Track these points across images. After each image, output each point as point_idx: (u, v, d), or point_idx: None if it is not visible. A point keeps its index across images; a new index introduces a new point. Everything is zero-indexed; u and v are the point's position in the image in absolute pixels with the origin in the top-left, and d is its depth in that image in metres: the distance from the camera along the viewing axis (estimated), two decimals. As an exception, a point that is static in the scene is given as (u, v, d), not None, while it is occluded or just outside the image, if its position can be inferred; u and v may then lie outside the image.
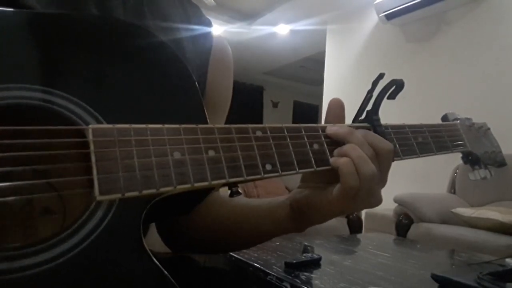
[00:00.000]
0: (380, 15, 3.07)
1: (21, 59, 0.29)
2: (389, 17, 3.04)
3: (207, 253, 0.54)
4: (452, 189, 2.51)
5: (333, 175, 0.37)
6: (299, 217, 0.43)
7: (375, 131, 0.42)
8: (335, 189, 0.37)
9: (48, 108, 0.29)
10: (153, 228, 0.51)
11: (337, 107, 0.42)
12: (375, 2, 3.05)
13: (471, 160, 0.53)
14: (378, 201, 0.39)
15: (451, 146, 0.50)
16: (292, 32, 4.15)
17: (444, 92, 2.80)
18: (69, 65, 0.30)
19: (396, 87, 0.42)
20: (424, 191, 2.43)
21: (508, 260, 0.94)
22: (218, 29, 3.92)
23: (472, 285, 0.73)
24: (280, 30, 4.13)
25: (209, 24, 0.54)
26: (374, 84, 0.42)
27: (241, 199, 0.49)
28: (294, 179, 3.05)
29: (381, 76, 0.42)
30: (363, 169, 0.36)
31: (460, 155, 0.54)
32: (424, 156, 0.46)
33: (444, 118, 0.54)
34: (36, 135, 0.27)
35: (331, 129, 0.39)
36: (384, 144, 0.39)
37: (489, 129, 0.56)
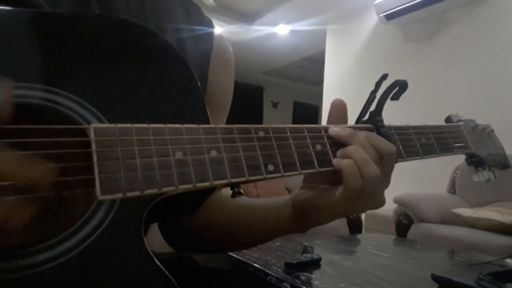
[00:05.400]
0: (380, 15, 3.07)
1: (24, 58, 0.29)
2: (389, 17, 3.04)
3: (210, 252, 0.54)
4: (452, 189, 2.51)
5: (336, 176, 0.37)
6: (302, 217, 0.42)
7: (379, 132, 0.41)
8: (338, 190, 0.37)
9: (50, 107, 0.29)
10: (154, 228, 0.51)
11: (340, 108, 0.41)
12: (375, 2, 3.05)
13: (475, 162, 0.53)
14: (381, 202, 0.39)
15: (454, 147, 0.49)
16: (292, 32, 4.15)
17: (444, 92, 2.80)
18: (72, 64, 0.30)
19: (399, 88, 0.42)
20: (424, 191, 2.43)
21: (508, 260, 0.94)
22: (218, 29, 3.90)
23: (472, 285, 0.73)
24: (280, 30, 4.13)
25: (210, 24, 0.54)
26: (377, 84, 0.42)
27: (243, 199, 0.49)
28: (294, 179, 3.05)
29: (384, 77, 0.42)
30: (366, 171, 0.35)
31: (463, 156, 0.54)
32: (427, 158, 0.45)
33: (448, 119, 0.54)
34: (37, 134, 0.27)
35: (333, 130, 0.39)
36: (388, 146, 0.39)
37: (493, 131, 0.56)
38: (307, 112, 6.95)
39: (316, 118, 6.75)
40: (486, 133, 0.55)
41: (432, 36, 2.95)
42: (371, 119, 0.43)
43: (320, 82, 4.03)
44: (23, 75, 0.28)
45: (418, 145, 0.45)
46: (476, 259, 1.13)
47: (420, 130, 0.46)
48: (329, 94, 3.79)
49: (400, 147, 0.43)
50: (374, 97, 0.42)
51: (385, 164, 0.38)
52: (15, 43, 0.29)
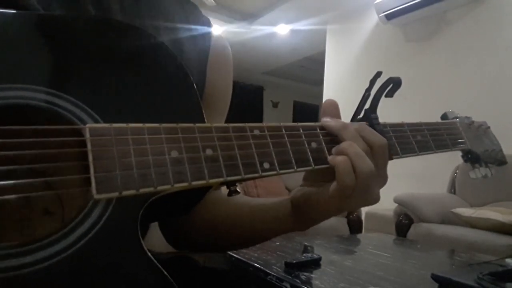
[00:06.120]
0: (380, 15, 3.07)
1: (21, 60, 0.29)
2: (389, 17, 3.04)
3: (210, 251, 0.54)
4: (452, 189, 2.51)
5: (333, 173, 0.37)
6: (300, 215, 0.43)
7: (373, 129, 0.41)
8: (331, 187, 0.37)
9: (46, 108, 0.29)
10: (153, 228, 0.51)
11: (332, 107, 0.41)
12: (375, 2, 3.05)
13: (471, 158, 0.53)
14: (375, 199, 0.39)
15: (450, 144, 0.49)
16: (292, 32, 4.15)
17: (444, 92, 2.80)
18: (68, 66, 0.31)
19: (393, 85, 0.42)
20: (424, 191, 2.43)
21: (508, 260, 0.94)
22: (218, 29, 3.92)
23: (472, 285, 0.73)
24: (280, 30, 4.13)
25: (208, 23, 0.54)
26: (372, 82, 0.42)
27: (242, 198, 0.49)
28: (294, 178, 3.05)
29: (378, 74, 0.42)
30: (360, 167, 0.35)
31: (460, 153, 0.54)
32: (423, 154, 0.45)
33: (444, 116, 0.54)
34: (33, 135, 0.27)
35: (325, 120, 0.40)
36: (378, 138, 0.39)
37: (489, 127, 0.56)
38: (307, 112, 6.94)
39: (316, 118, 6.65)
40: (482, 130, 0.55)
41: (432, 36, 2.95)
42: (366, 117, 0.43)
43: (320, 82, 4.03)
44: (20, 76, 0.29)
45: (413, 142, 0.45)
46: (476, 259, 1.13)
47: (415, 127, 0.46)
48: (329, 94, 3.79)
49: (396, 144, 0.43)
50: (369, 94, 0.42)
51: (377, 157, 0.38)
52: (15, 45, 0.29)
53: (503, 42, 2.51)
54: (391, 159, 0.41)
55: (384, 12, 3.03)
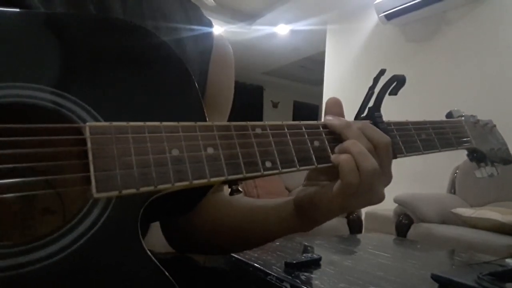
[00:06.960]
0: (380, 15, 3.07)
1: (23, 58, 0.29)
2: (389, 17, 3.05)
3: (213, 254, 0.54)
4: (452, 189, 2.51)
5: (336, 172, 0.37)
6: (303, 215, 0.42)
7: (377, 128, 0.41)
8: (335, 186, 0.37)
9: (47, 107, 0.29)
10: (153, 228, 0.50)
11: (335, 106, 0.41)
12: (375, 2, 3.06)
13: (477, 157, 0.52)
14: (379, 198, 0.38)
15: (455, 142, 0.49)
16: (292, 32, 4.15)
17: (444, 92, 2.80)
18: (70, 65, 0.31)
19: (397, 83, 0.42)
20: (424, 191, 2.43)
21: (508, 260, 0.94)
22: (218, 29, 3.91)
23: (472, 285, 0.73)
24: (280, 30, 4.14)
25: (209, 24, 0.54)
26: (376, 80, 0.42)
27: (244, 199, 0.49)
28: (294, 179, 3.05)
29: (382, 72, 0.42)
30: (364, 165, 0.35)
31: (463, 154, 0.54)
32: (428, 153, 0.45)
33: (449, 115, 0.54)
34: (34, 133, 0.27)
35: (328, 119, 0.39)
36: (382, 136, 0.38)
37: (494, 126, 0.55)
38: (307, 112, 6.95)
39: (316, 118, 6.74)
40: (487, 129, 0.54)
41: (432, 36, 2.95)
42: (370, 115, 0.42)
43: (320, 82, 4.03)
44: (23, 75, 0.29)
45: (418, 141, 0.45)
46: (476, 259, 1.13)
47: (420, 126, 0.46)
48: (329, 94, 3.79)
49: (400, 142, 0.43)
50: (373, 93, 0.42)
51: (381, 155, 0.38)
52: (17, 44, 0.29)
53: (503, 42, 2.51)
54: (396, 157, 0.41)
55: (384, 12, 3.03)
